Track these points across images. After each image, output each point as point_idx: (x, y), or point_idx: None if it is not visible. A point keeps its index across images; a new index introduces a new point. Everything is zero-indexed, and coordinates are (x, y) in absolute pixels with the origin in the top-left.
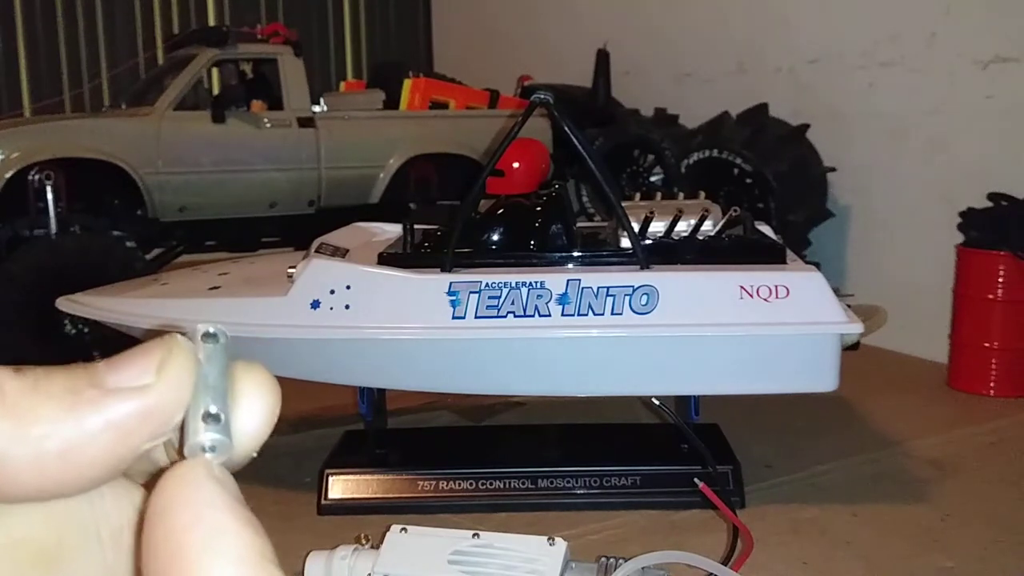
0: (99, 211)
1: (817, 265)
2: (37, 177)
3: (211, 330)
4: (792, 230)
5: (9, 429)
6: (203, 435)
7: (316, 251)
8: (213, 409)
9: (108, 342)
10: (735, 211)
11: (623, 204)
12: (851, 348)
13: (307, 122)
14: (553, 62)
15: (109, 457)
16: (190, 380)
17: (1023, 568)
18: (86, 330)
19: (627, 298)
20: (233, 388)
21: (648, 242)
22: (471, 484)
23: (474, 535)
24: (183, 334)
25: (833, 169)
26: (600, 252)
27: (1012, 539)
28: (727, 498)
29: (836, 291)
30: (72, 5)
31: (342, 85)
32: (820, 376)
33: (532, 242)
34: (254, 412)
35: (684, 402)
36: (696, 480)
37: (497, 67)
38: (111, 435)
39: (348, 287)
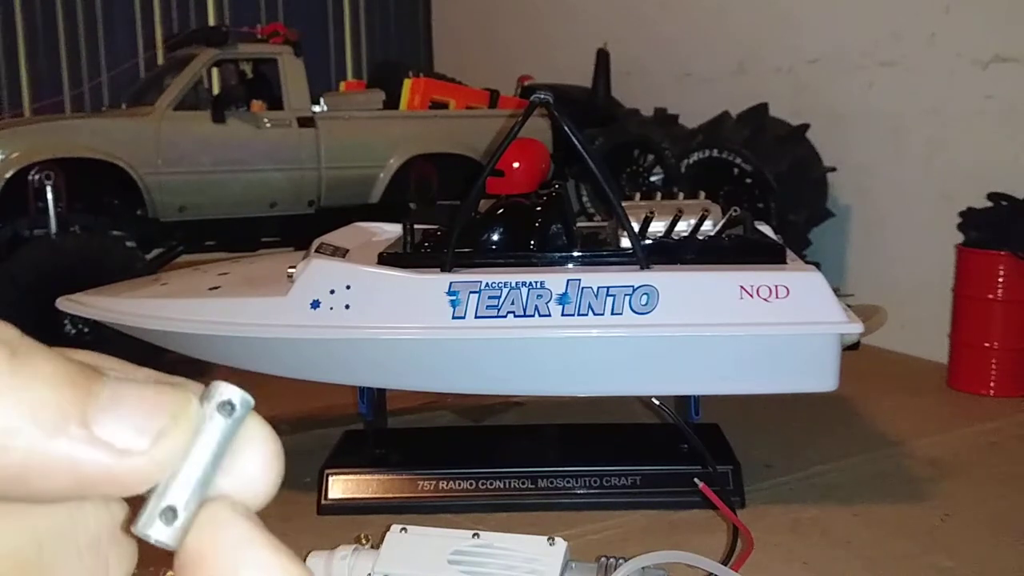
0: (99, 211)
1: (817, 265)
2: (37, 177)
3: (233, 401)
4: (792, 230)
5: None
6: (152, 529)
7: (316, 251)
8: (176, 504)
9: (108, 342)
10: (735, 211)
11: (623, 204)
12: (851, 348)
13: (307, 122)
14: (553, 62)
15: (59, 495)
16: (175, 463)
17: (1023, 568)
18: (86, 330)
19: (627, 298)
20: (235, 454)
21: (648, 242)
22: (471, 484)
23: (474, 535)
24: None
25: (833, 169)
26: (600, 252)
27: (1012, 539)
28: (727, 498)
29: (836, 291)
30: (72, 5)
31: (342, 85)
32: (820, 376)
33: (532, 242)
34: (255, 483)
35: (684, 402)
36: (696, 480)
37: (497, 67)
38: (69, 480)
39: (348, 287)
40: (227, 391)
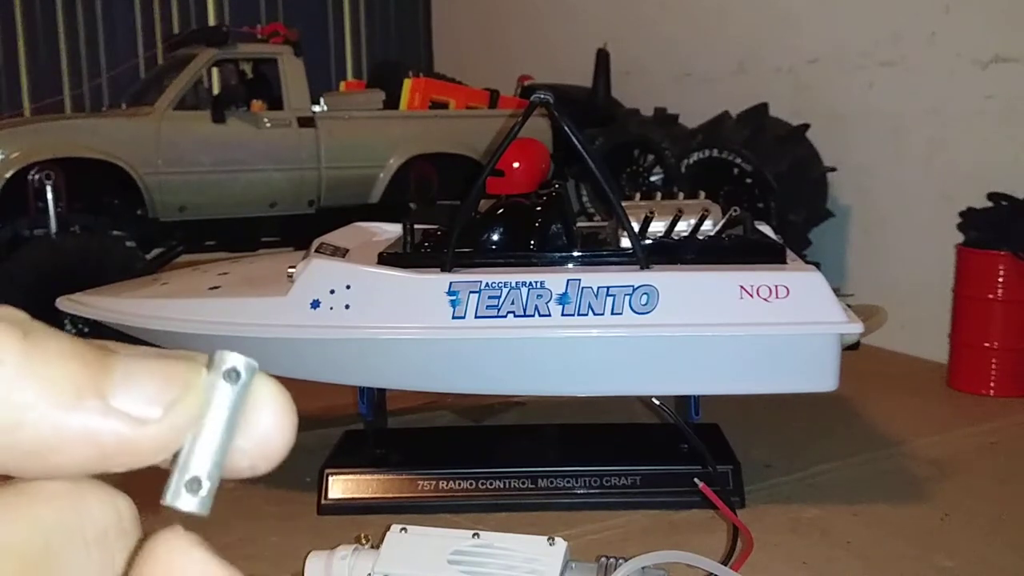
0: (99, 211)
1: (817, 265)
2: (37, 177)
3: (237, 368)
4: (792, 230)
5: None
6: (180, 501)
7: (316, 251)
8: (199, 474)
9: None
10: (735, 211)
11: (623, 204)
12: (851, 348)
13: (307, 122)
14: (553, 62)
15: (77, 469)
16: (191, 429)
17: (1023, 568)
18: (86, 330)
19: (627, 298)
20: (247, 414)
21: (648, 242)
22: (471, 484)
23: (474, 535)
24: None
25: (833, 169)
26: (600, 252)
27: (1012, 539)
28: (727, 498)
29: (836, 291)
30: (72, 5)
31: (342, 85)
32: (820, 376)
33: (532, 242)
34: (269, 439)
35: (684, 402)
36: (696, 480)
37: (497, 67)
38: (88, 452)
39: (348, 287)
40: (231, 359)
